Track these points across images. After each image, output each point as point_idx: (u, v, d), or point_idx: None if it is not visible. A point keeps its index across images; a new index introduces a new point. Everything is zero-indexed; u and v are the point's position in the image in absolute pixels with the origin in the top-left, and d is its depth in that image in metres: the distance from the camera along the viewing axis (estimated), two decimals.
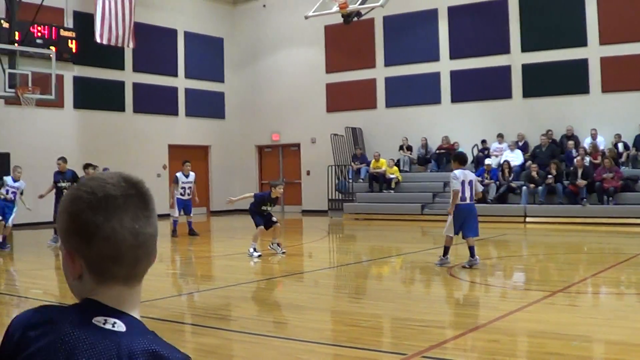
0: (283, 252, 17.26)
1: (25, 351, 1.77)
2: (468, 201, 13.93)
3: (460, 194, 13.80)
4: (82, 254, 1.81)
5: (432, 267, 14.36)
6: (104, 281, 1.81)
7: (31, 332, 1.78)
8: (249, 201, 17.66)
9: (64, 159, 20.43)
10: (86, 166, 20.92)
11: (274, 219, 17.22)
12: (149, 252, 1.84)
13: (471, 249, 13.83)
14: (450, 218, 13.97)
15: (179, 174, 22.09)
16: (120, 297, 1.82)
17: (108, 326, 1.74)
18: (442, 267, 14.02)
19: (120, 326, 1.75)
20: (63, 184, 19.73)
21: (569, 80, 27.23)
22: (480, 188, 14.62)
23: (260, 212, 17.21)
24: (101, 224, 1.76)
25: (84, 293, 1.85)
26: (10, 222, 19.11)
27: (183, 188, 21.63)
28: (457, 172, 13.97)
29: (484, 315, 9.15)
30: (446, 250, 14.18)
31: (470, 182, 13.98)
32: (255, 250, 16.82)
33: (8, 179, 19.39)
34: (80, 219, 1.78)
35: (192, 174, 21.98)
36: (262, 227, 17.01)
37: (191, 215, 22.32)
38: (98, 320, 1.74)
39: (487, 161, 26.77)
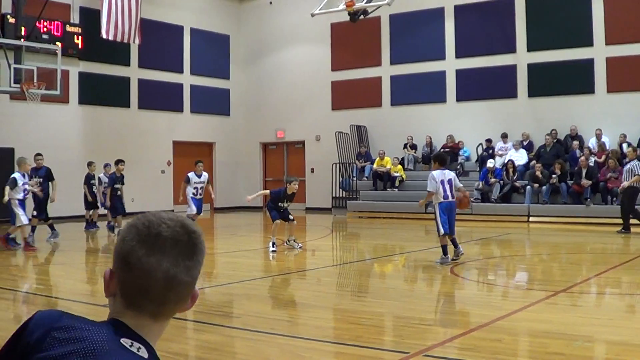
0: (300, 247, 18.00)
1: (47, 351, 1.80)
2: (450, 199, 14.43)
3: (442, 193, 14.30)
4: (119, 277, 1.93)
5: (434, 265, 14.36)
6: (132, 308, 1.91)
7: (57, 334, 1.82)
8: (260, 198, 18.18)
9: (41, 156, 20.48)
10: (117, 162, 22.17)
11: (291, 216, 17.82)
12: (180, 297, 1.94)
13: (453, 240, 14.39)
14: (437, 218, 14.31)
15: (191, 174, 21.25)
16: (145, 327, 1.92)
17: (134, 349, 1.82)
18: (444, 266, 14.03)
19: (144, 352, 1.84)
20: (34, 180, 19.61)
21: (574, 80, 27.21)
22: (460, 184, 15.03)
23: (277, 208, 17.80)
24: (142, 257, 1.87)
25: (113, 311, 1.96)
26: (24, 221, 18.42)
27: (195, 188, 20.80)
28: (435, 173, 14.59)
29: (487, 314, 9.14)
30: (444, 249, 14.41)
31: (450, 181, 14.51)
32: (273, 244, 17.37)
33: (18, 176, 18.27)
34: (127, 246, 1.91)
35: (204, 174, 21.26)
36: (278, 220, 17.58)
37: (199, 215, 21.46)
38: (125, 342, 1.82)
39: (489, 163, 26.73)
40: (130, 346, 1.82)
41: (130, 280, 1.90)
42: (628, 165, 21.18)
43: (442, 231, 14.24)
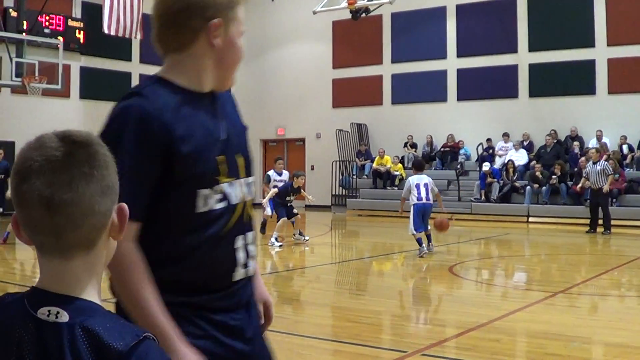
0: (306, 239, 18.73)
1: None
2: (424, 201, 15.66)
3: (417, 195, 15.63)
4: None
5: (434, 265, 14.42)
6: (40, 254, 1.67)
7: None
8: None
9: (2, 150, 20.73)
10: None
11: (295, 210, 18.44)
12: (76, 221, 1.61)
13: (428, 237, 15.93)
14: (410, 218, 15.60)
15: (271, 172, 20.26)
16: (60, 274, 1.65)
17: (52, 318, 1.59)
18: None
19: (64, 316, 1.59)
20: None
21: (575, 80, 27.19)
22: (437, 190, 16.41)
23: (284, 203, 18.24)
24: (16, 186, 1.64)
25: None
26: None
27: (275, 187, 19.45)
28: (411, 178, 16.16)
29: (485, 314, 9.15)
30: (419, 241, 15.53)
31: (426, 185, 15.80)
32: (277, 239, 17.73)
33: None
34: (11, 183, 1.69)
35: (285, 173, 20.19)
36: (285, 218, 18.01)
37: (297, 216, 18.95)
38: (43, 313, 1.60)
39: (485, 167, 26.68)
40: (48, 316, 1.59)
41: (19, 218, 1.66)
42: (598, 167, 21.20)
43: (412, 231, 15.51)
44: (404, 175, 29.29)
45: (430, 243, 15.97)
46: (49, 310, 1.60)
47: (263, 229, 20.32)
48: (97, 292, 1.69)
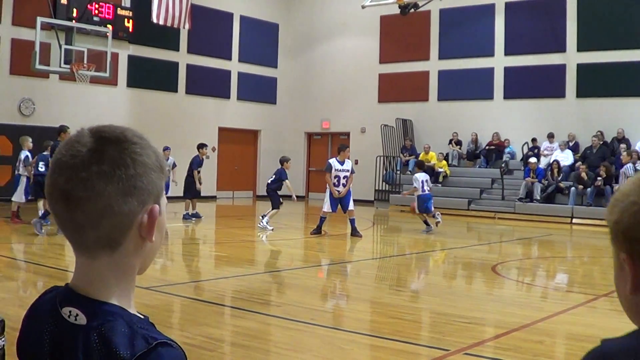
0: (272, 229, 19.69)
1: (22, 341, 1.72)
2: (427, 192, 20.36)
3: (420, 189, 20.15)
4: None
5: (476, 263, 14.37)
6: (72, 248, 1.69)
7: (24, 323, 1.73)
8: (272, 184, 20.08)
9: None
10: (200, 146, 23.17)
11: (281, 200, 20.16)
12: (92, 218, 1.60)
13: (425, 222, 20.58)
14: (416, 204, 20.46)
15: (332, 160, 19.29)
16: (86, 273, 1.66)
17: (71, 319, 1.61)
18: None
19: (82, 319, 1.60)
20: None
21: (624, 82, 26.82)
22: (431, 184, 21.23)
23: (279, 189, 20.06)
24: (47, 178, 1.65)
25: None
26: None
27: (337, 177, 18.82)
28: (417, 175, 20.58)
29: (528, 315, 9.10)
30: (426, 222, 20.59)
31: (427, 181, 20.51)
32: (267, 223, 19.76)
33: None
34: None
35: (348, 162, 19.19)
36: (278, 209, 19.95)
37: (351, 210, 19.11)
38: (65, 313, 1.62)
39: (532, 160, 26.50)
40: (69, 316, 1.61)
41: (50, 208, 1.67)
42: (622, 169, 22.52)
43: (417, 211, 20.45)
44: (448, 172, 29.23)
45: (429, 226, 20.55)
46: (70, 311, 1.62)
47: (317, 229, 19.28)
48: (125, 294, 1.68)
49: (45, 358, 1.64)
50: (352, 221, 18.93)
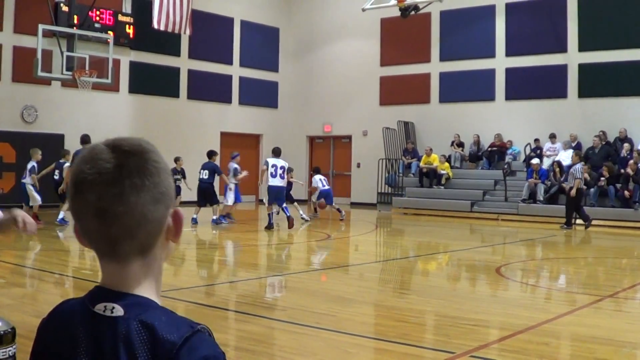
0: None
1: (38, 345, 1.76)
2: (327, 187, 24.08)
3: (321, 186, 23.91)
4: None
5: (480, 265, 14.35)
6: (99, 258, 1.74)
7: (45, 334, 1.76)
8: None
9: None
10: (176, 159, 23.39)
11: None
12: (129, 230, 1.66)
13: (339, 210, 24.76)
14: (314, 197, 24.65)
15: (269, 159, 21.62)
16: (118, 276, 1.71)
17: (107, 313, 1.66)
18: (485, 263, 14.03)
19: (119, 310, 1.66)
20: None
21: (626, 81, 26.78)
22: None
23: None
24: (72, 197, 1.69)
25: None
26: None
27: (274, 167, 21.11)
28: (316, 177, 24.36)
29: (533, 316, 9.08)
30: (316, 210, 25.43)
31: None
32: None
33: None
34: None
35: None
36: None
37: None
38: (99, 309, 1.67)
39: (534, 161, 26.47)
40: (104, 311, 1.66)
41: (77, 226, 1.72)
42: (571, 169, 23.59)
43: (315, 201, 24.61)
44: (450, 174, 29.22)
45: (341, 212, 24.66)
46: (104, 306, 1.66)
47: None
48: (154, 290, 1.75)
49: (80, 356, 1.66)
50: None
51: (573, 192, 22.87)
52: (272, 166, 20.79)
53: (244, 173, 22.75)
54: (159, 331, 1.60)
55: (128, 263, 1.70)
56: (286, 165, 21.43)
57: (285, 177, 21.38)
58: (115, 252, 1.69)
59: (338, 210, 24.72)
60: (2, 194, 24.32)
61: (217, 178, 22.50)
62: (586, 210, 23.80)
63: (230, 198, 22.49)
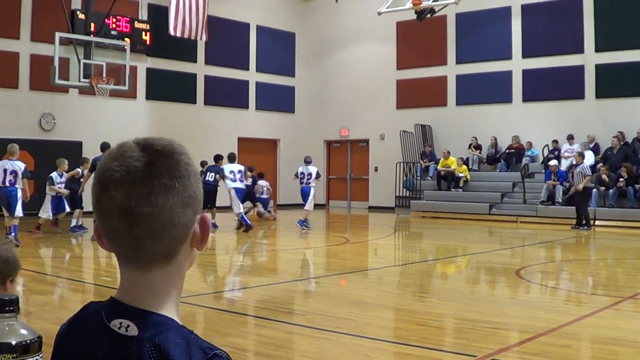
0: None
1: (66, 357, 1.70)
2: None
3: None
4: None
5: (499, 268, 14.31)
6: (120, 263, 1.66)
7: (62, 347, 1.72)
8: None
9: None
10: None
11: None
12: (154, 232, 1.58)
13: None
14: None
15: (225, 165, 22.91)
16: (137, 286, 1.64)
17: (122, 331, 1.59)
18: (504, 265, 13.96)
19: (133, 329, 1.58)
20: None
21: None
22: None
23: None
24: (98, 195, 1.62)
25: None
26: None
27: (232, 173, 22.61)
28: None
29: (554, 319, 9.04)
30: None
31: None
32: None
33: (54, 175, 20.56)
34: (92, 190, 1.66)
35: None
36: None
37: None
38: (115, 325, 1.60)
39: (552, 162, 26.33)
40: (119, 328, 1.59)
41: (100, 228, 1.64)
42: (578, 169, 23.74)
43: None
44: (468, 177, 29.16)
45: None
46: (120, 323, 1.60)
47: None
48: (174, 306, 1.67)
49: None
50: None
51: (580, 186, 23.16)
52: (230, 172, 22.08)
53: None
54: (172, 356, 1.52)
55: (150, 269, 1.63)
56: (243, 167, 22.77)
57: (244, 178, 22.68)
58: (138, 256, 1.61)
59: (268, 212, 26.66)
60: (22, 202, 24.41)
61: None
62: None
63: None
